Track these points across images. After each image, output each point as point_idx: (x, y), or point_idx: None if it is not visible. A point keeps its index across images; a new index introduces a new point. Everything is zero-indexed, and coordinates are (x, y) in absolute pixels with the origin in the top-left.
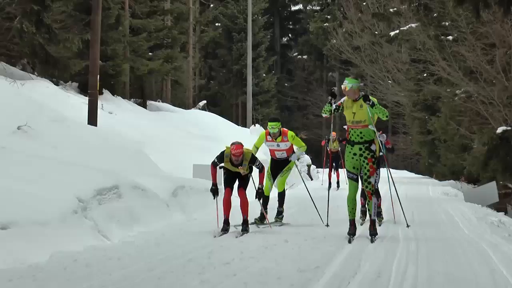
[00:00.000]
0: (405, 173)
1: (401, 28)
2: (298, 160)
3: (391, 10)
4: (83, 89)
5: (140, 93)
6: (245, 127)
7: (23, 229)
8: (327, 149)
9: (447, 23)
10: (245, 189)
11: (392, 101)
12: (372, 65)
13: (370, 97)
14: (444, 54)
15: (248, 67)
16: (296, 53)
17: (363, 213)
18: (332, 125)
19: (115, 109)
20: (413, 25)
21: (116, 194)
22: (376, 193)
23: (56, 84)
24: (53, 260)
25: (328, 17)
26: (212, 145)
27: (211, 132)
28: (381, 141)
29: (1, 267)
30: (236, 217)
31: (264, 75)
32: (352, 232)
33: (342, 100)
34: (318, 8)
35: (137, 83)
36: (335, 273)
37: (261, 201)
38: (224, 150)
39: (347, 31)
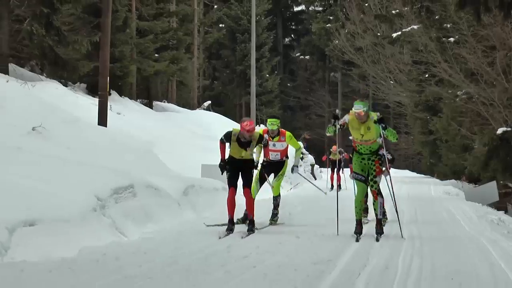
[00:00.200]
0: (407, 173)
1: (403, 30)
2: (300, 161)
3: (393, 11)
4: (91, 90)
5: (146, 93)
6: None
7: (48, 226)
8: (328, 158)
9: (448, 26)
10: (250, 187)
11: (394, 101)
12: (374, 66)
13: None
14: (445, 56)
15: (252, 67)
16: (298, 54)
17: (365, 210)
18: (336, 140)
19: (123, 110)
20: (415, 27)
21: (131, 193)
22: (379, 193)
23: (65, 85)
24: (83, 254)
25: (331, 18)
26: (216, 146)
27: (215, 132)
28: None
29: (35, 260)
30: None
31: (267, 75)
32: (358, 231)
33: (345, 119)
34: (320, 9)
35: (144, 84)
36: (346, 266)
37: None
38: (232, 130)
39: (349, 32)
